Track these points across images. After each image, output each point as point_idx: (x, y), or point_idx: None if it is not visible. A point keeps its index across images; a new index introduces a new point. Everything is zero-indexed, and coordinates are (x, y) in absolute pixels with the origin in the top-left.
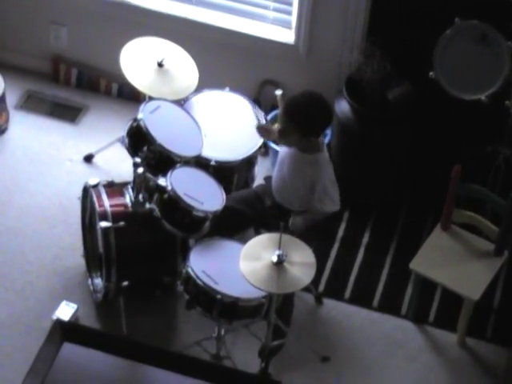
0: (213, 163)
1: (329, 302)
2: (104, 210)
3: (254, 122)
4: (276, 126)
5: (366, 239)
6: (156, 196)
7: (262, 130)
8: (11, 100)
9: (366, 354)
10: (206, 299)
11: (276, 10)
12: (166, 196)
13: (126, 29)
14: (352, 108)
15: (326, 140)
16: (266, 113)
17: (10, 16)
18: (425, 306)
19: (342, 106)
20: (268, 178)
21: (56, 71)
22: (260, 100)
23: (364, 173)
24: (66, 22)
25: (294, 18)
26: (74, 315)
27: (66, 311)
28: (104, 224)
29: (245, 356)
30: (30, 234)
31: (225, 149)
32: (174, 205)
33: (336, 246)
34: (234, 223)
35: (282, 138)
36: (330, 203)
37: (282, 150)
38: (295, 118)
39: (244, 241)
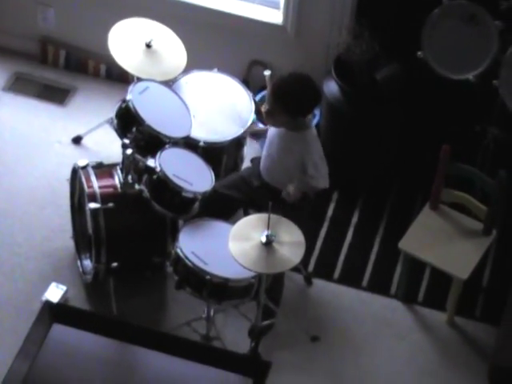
0: (202, 144)
1: (318, 282)
2: (93, 192)
3: (243, 102)
4: (263, 107)
5: (355, 219)
6: (145, 177)
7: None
8: None
9: (356, 333)
10: (196, 280)
11: None
12: (155, 177)
13: (114, 10)
14: (341, 89)
15: (315, 121)
16: (255, 93)
17: None
18: (414, 285)
19: (331, 87)
20: (255, 159)
21: (44, 53)
22: (249, 81)
23: (353, 153)
24: (53, 3)
25: None
26: (64, 297)
27: (55, 293)
28: (93, 205)
29: (235, 336)
30: (19, 216)
31: (213, 130)
32: (163, 186)
33: (325, 225)
34: (223, 208)
35: (270, 118)
36: (322, 180)
37: (270, 130)
38: (283, 99)
39: (233, 221)
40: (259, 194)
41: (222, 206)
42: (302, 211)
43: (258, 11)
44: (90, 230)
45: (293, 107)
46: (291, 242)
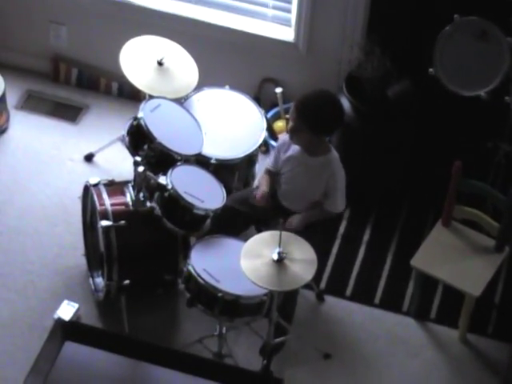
0: (213, 161)
1: (330, 299)
2: (105, 209)
3: (255, 120)
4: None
5: (367, 236)
6: (157, 194)
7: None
8: (11, 100)
9: (368, 350)
10: (208, 297)
11: (275, 7)
12: (166, 194)
13: (125, 28)
14: (352, 105)
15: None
16: (266, 111)
17: (10, 15)
18: (426, 302)
19: (342, 104)
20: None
21: (56, 71)
22: (260, 98)
23: (364, 170)
24: (66, 21)
25: (293, 16)
26: (76, 314)
27: (67, 310)
28: (105, 223)
29: (246, 354)
30: (31, 234)
31: (225, 147)
32: (174, 203)
33: (337, 243)
34: (235, 224)
35: (294, 135)
36: (342, 202)
37: (292, 163)
38: (307, 116)
39: (245, 238)
40: (271, 212)
41: (234, 221)
42: (314, 229)
43: (270, 28)
44: (102, 248)
45: (317, 125)
46: (303, 260)
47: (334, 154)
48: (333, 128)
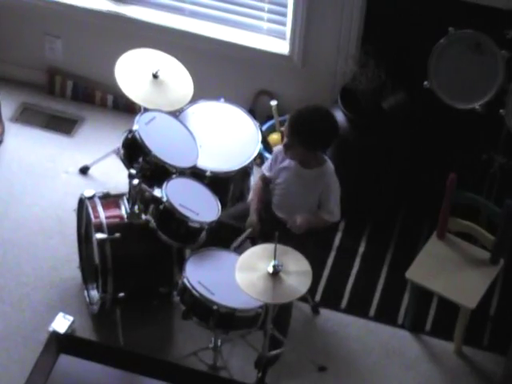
0: (208, 174)
1: (325, 312)
2: (100, 222)
3: (250, 132)
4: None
5: (362, 248)
6: (151, 207)
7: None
8: (6, 112)
9: (363, 363)
10: (203, 310)
11: (270, 20)
12: (161, 207)
13: (120, 40)
14: (347, 118)
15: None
16: (262, 123)
17: (4, 28)
18: (421, 314)
19: (337, 116)
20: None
21: (51, 83)
22: (255, 110)
23: (359, 182)
24: (61, 34)
25: (288, 29)
26: (71, 327)
27: (62, 323)
28: (100, 235)
29: (241, 366)
30: (26, 246)
31: (220, 159)
32: (169, 216)
33: (332, 255)
34: (229, 239)
35: (288, 151)
36: (338, 212)
37: (287, 174)
38: (300, 133)
39: (240, 251)
40: (266, 224)
41: (228, 236)
42: (309, 241)
43: (265, 41)
44: (97, 260)
45: (310, 141)
46: (298, 272)
47: (329, 165)
48: (326, 143)
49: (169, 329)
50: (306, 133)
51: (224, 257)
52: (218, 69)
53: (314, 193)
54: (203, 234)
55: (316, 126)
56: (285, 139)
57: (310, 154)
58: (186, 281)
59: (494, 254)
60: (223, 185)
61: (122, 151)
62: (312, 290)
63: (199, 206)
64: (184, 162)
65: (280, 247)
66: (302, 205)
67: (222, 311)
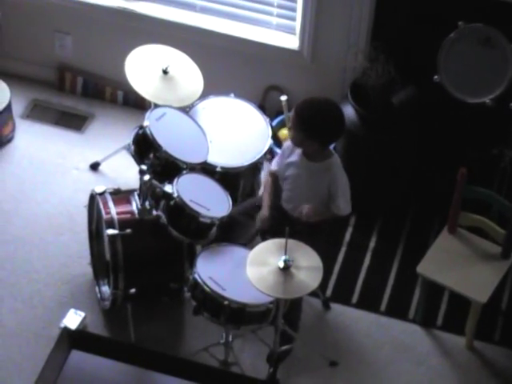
0: (219, 169)
1: (336, 307)
2: (111, 218)
3: (260, 128)
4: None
5: (372, 243)
6: (162, 203)
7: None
8: (17, 109)
9: (374, 358)
10: (214, 305)
11: (280, 16)
12: (172, 203)
13: (130, 37)
14: (357, 113)
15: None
16: (272, 119)
17: (15, 25)
18: (432, 309)
19: (347, 111)
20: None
21: (61, 80)
22: (265, 106)
23: (370, 177)
24: (71, 31)
25: (298, 24)
26: (82, 323)
27: (73, 319)
28: (111, 231)
29: (253, 362)
30: (37, 243)
31: (230, 155)
32: (180, 211)
33: (343, 250)
34: (240, 235)
35: (295, 143)
36: (348, 205)
37: (294, 168)
38: (304, 126)
39: (250, 247)
40: (276, 220)
41: (238, 232)
42: (320, 236)
43: (275, 37)
44: (108, 256)
45: (314, 134)
46: (309, 267)
47: (335, 158)
48: (330, 136)
49: (180, 324)
50: (310, 126)
51: (235, 252)
52: (228, 64)
53: (321, 186)
54: (214, 230)
55: (318, 117)
56: (292, 133)
57: (316, 147)
58: (196, 276)
59: (504, 249)
60: (233, 180)
61: (132, 147)
62: (323, 285)
63: (210, 201)
64: (194, 158)
65: (291, 242)
66: (309, 198)
67: (233, 306)
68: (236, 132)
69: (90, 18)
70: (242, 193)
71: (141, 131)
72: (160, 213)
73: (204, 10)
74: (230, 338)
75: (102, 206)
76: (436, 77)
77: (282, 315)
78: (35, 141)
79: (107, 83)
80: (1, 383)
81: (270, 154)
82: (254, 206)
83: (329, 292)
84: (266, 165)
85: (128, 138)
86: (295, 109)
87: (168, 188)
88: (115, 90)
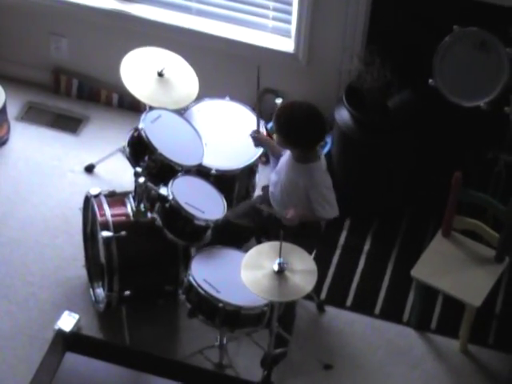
0: (214, 172)
1: (331, 310)
2: (105, 220)
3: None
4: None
5: (367, 246)
6: (157, 205)
7: (255, 138)
8: (12, 111)
9: (369, 361)
10: (208, 308)
11: (275, 18)
12: (167, 205)
13: (125, 39)
14: (352, 116)
15: (327, 149)
16: (267, 121)
17: (10, 27)
18: (427, 312)
19: (343, 115)
20: (266, 187)
21: (57, 82)
22: (260, 109)
23: (365, 180)
24: (66, 33)
25: (293, 27)
26: (77, 325)
27: (68, 321)
28: (105, 233)
29: (247, 364)
30: (32, 245)
31: (225, 157)
32: (175, 214)
33: (337, 253)
34: (235, 238)
35: (280, 146)
36: (329, 209)
37: (283, 157)
38: (283, 130)
39: (245, 249)
40: (270, 222)
41: (234, 235)
42: (314, 239)
43: (270, 40)
44: (103, 259)
45: (292, 139)
46: (303, 270)
47: (319, 163)
48: (311, 142)
49: (174, 327)
50: (288, 130)
51: (230, 255)
52: (224, 67)
53: (299, 184)
54: (209, 232)
55: (299, 125)
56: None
57: (298, 151)
58: (191, 279)
59: (499, 252)
60: (229, 183)
61: (127, 149)
62: (317, 288)
63: (205, 204)
64: (190, 160)
65: (285, 245)
66: (288, 197)
67: (228, 309)
68: (231, 135)
69: (86, 21)
70: (237, 195)
71: (136, 133)
72: (155, 215)
73: (200, 13)
74: (225, 341)
75: (96, 208)
76: (431, 80)
77: (277, 318)
78: (30, 143)
79: (102, 86)
80: None
81: (264, 156)
82: (250, 208)
83: (323, 295)
84: (260, 168)
85: (123, 140)
86: (275, 113)
87: (163, 190)
88: (110, 92)
